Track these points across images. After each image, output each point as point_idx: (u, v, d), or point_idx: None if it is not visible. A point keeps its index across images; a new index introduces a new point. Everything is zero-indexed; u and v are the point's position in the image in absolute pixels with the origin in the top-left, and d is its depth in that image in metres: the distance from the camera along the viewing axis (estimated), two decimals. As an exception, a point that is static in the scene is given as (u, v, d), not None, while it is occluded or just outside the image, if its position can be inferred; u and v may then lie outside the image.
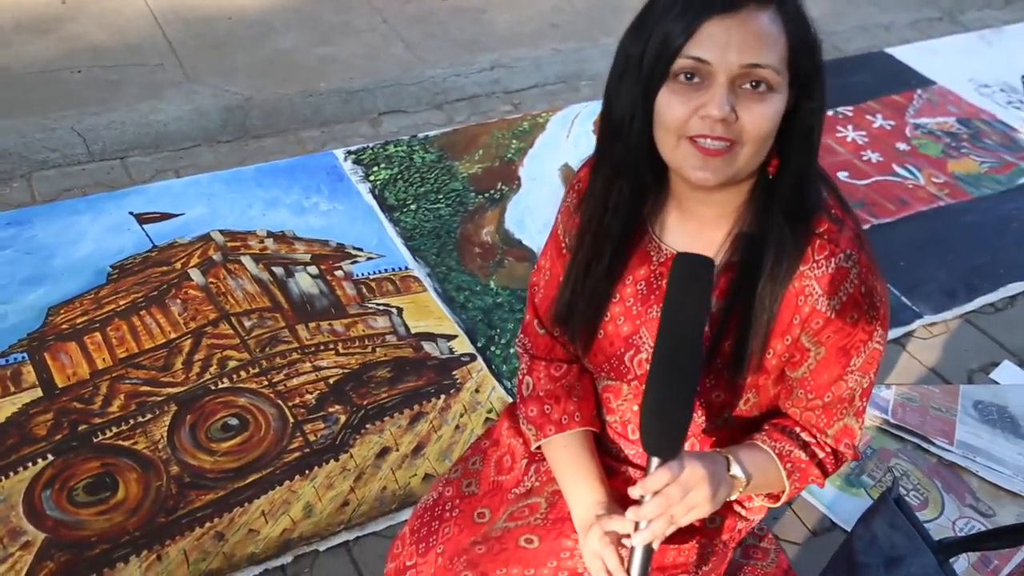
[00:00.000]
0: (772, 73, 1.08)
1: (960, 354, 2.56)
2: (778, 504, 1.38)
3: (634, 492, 1.15)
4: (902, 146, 3.51)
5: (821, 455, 1.31)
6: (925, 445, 2.22)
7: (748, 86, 1.08)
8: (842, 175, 3.29)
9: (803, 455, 1.29)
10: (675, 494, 1.14)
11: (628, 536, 1.21)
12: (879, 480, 2.13)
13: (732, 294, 1.22)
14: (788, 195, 1.17)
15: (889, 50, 4.24)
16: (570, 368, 1.43)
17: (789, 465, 1.28)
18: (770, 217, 1.17)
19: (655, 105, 1.13)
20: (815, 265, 1.17)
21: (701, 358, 1.13)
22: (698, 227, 1.24)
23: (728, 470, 1.23)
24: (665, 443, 1.13)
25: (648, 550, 1.18)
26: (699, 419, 1.31)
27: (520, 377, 1.48)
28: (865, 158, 3.41)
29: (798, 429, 1.31)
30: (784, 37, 1.09)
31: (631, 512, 1.16)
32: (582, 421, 1.40)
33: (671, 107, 1.11)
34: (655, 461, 1.14)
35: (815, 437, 1.31)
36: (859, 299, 1.18)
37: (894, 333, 2.59)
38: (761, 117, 1.09)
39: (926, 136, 3.59)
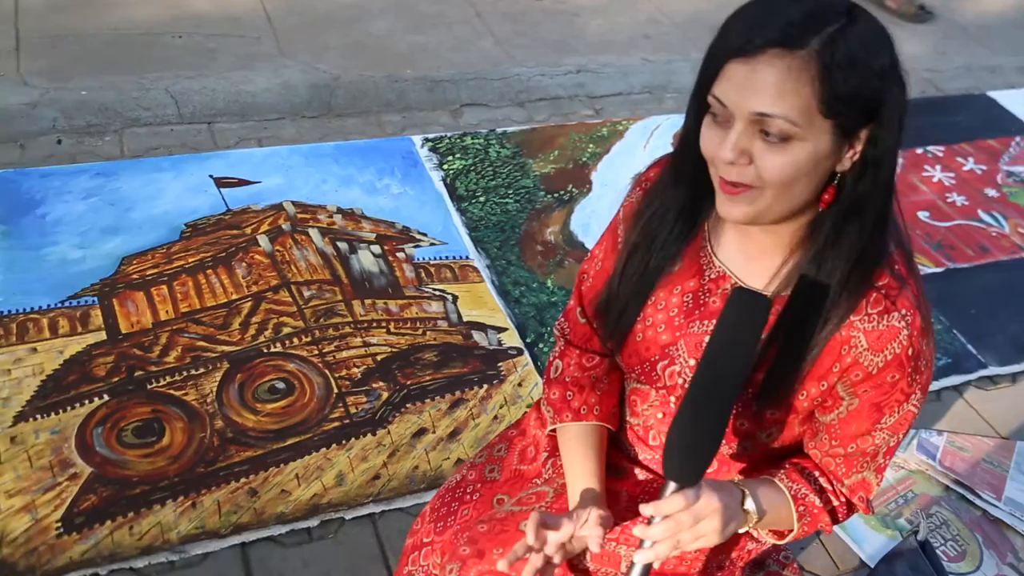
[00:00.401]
0: (786, 124, 1.04)
1: (1021, 410, 2.50)
2: (782, 542, 1.38)
3: (646, 511, 1.16)
4: (991, 192, 3.43)
5: (835, 503, 1.31)
6: (971, 497, 2.18)
7: (765, 132, 1.06)
8: (922, 215, 3.23)
9: (817, 501, 1.29)
10: (686, 521, 1.14)
11: (562, 544, 1.24)
12: (916, 525, 2.10)
13: (776, 328, 1.21)
14: (846, 238, 1.14)
15: (992, 93, 4.15)
16: (602, 361, 1.45)
17: (802, 508, 1.28)
18: (828, 256, 1.15)
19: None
20: (866, 318, 1.16)
21: (737, 395, 1.13)
22: (756, 251, 1.24)
23: (742, 504, 1.23)
24: (687, 472, 1.14)
25: (647, 569, 1.19)
26: (723, 445, 1.32)
27: (551, 359, 1.51)
28: (950, 200, 3.35)
29: (817, 473, 1.30)
30: (813, 86, 1.03)
31: (638, 530, 1.17)
32: (600, 415, 1.42)
33: (704, 140, 1.13)
34: (672, 485, 1.15)
35: (832, 485, 1.31)
36: (904, 361, 1.17)
37: (955, 380, 2.55)
38: (773, 166, 1.07)
39: (1018, 184, 3.50)
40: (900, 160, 3.57)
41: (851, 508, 1.33)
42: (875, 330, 1.16)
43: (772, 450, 1.33)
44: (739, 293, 1.12)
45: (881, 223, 1.16)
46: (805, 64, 1.04)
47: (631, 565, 1.20)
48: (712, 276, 1.29)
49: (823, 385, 1.22)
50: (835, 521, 1.32)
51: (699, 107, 1.14)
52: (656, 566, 1.21)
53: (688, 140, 1.20)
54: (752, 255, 1.25)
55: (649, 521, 1.16)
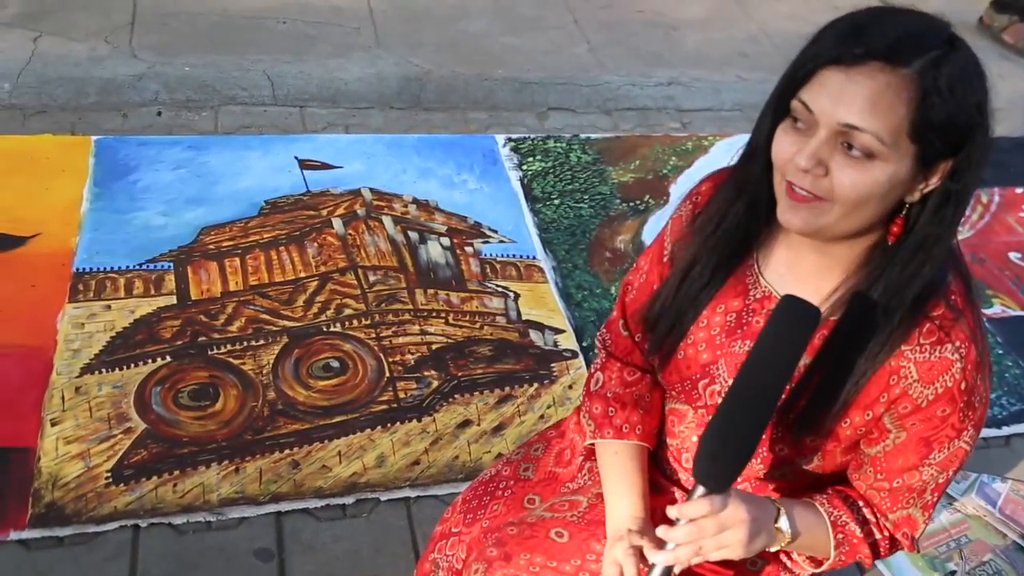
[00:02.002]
0: (874, 140, 1.00)
1: (1097, 465, 2.35)
2: (820, 570, 1.32)
3: (671, 512, 1.13)
4: (1090, 238, 3.24)
5: (877, 536, 1.25)
6: (1029, 549, 2.05)
7: (848, 146, 1.02)
8: (1014, 255, 3.07)
9: (858, 531, 1.23)
10: (709, 528, 1.11)
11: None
12: (967, 572, 1.99)
13: (823, 353, 1.17)
14: (906, 270, 1.09)
15: (1103, 137, 3.92)
16: (643, 376, 1.42)
17: (840, 536, 1.22)
18: (883, 284, 1.11)
19: (774, 139, 1.10)
20: (918, 348, 1.11)
21: (775, 405, 1.09)
22: (805, 273, 1.19)
23: (775, 521, 1.18)
24: (715, 476, 1.11)
25: (667, 572, 1.15)
26: (758, 467, 1.27)
27: (592, 371, 1.48)
28: (1045, 243, 3.17)
29: (861, 504, 1.25)
30: (909, 108, 1.00)
31: (662, 530, 1.14)
32: (642, 435, 1.38)
33: (779, 145, 1.08)
34: (700, 489, 1.12)
35: (876, 517, 1.25)
36: (956, 395, 1.11)
37: (1025, 428, 2.41)
38: (850, 182, 1.03)
39: (1121, 233, 3.30)
40: (996, 198, 3.42)
41: (894, 544, 1.26)
42: (926, 361, 1.10)
43: (811, 478, 1.28)
44: (788, 300, 1.07)
45: (942, 255, 1.11)
46: (905, 83, 1.00)
47: (651, 566, 1.17)
48: (757, 296, 1.24)
49: (868, 415, 1.16)
50: (876, 555, 1.26)
51: (777, 112, 1.09)
52: (676, 571, 1.16)
53: (756, 151, 1.15)
54: (802, 276, 1.20)
55: (674, 523, 1.13)
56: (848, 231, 1.10)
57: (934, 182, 1.06)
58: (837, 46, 1.02)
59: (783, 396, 1.18)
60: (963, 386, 1.11)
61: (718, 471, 1.10)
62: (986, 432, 2.37)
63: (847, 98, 1.00)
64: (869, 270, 1.13)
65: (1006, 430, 2.39)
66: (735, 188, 1.21)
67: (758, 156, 1.14)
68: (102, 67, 3.14)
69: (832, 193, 1.04)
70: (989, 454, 2.32)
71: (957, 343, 1.10)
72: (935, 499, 1.22)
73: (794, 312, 1.07)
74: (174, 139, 2.92)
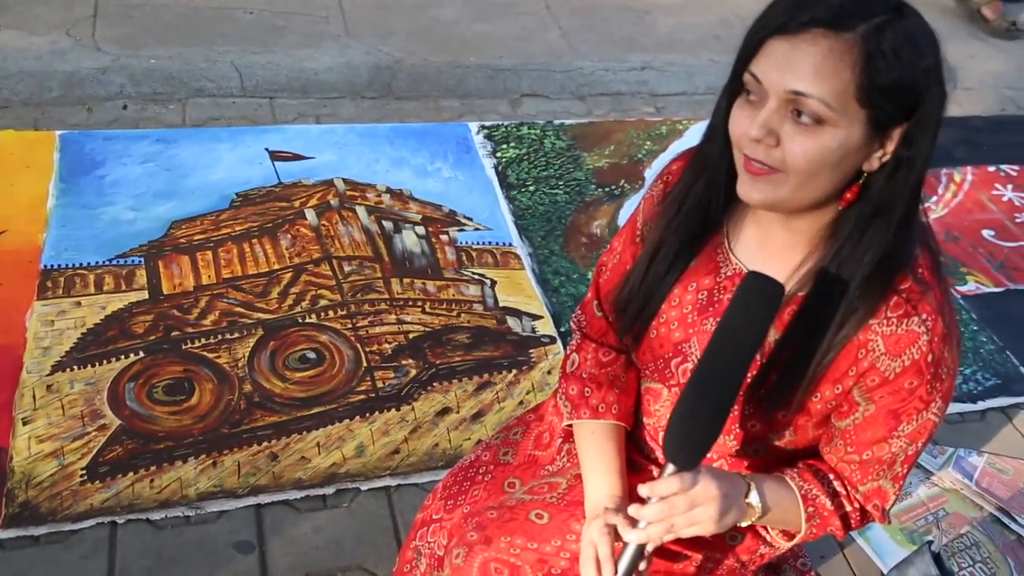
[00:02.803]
0: (820, 106, 1.02)
1: (1072, 438, 2.40)
2: (792, 543, 1.35)
3: (642, 491, 1.15)
4: (1063, 215, 3.30)
5: (848, 508, 1.27)
6: (1006, 520, 2.10)
7: (797, 113, 1.05)
8: (987, 233, 3.13)
9: (828, 503, 1.26)
10: (680, 505, 1.13)
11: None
12: (944, 545, 2.03)
13: (792, 328, 1.19)
14: (863, 236, 1.12)
15: (1075, 115, 3.99)
16: (618, 357, 1.44)
17: (811, 509, 1.25)
18: (849, 257, 1.13)
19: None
20: (885, 321, 1.13)
21: (742, 381, 1.11)
22: (775, 249, 1.22)
23: (746, 496, 1.21)
24: (685, 453, 1.13)
25: (640, 550, 1.18)
26: (731, 444, 1.30)
27: (568, 352, 1.50)
28: (1019, 220, 3.23)
29: (832, 476, 1.27)
30: (851, 71, 1.02)
31: (633, 509, 1.17)
32: (618, 414, 1.40)
33: (734, 120, 1.11)
34: (671, 467, 1.14)
35: (846, 489, 1.27)
36: (923, 367, 1.14)
37: (1002, 402, 2.46)
38: (801, 149, 1.05)
39: (1093, 209, 3.36)
40: (970, 177, 3.47)
41: (865, 516, 1.29)
42: (893, 334, 1.13)
43: (784, 453, 1.30)
44: (752, 276, 1.10)
45: (906, 225, 1.13)
46: (848, 48, 1.02)
47: (624, 547, 1.19)
48: (728, 273, 1.26)
49: (838, 389, 1.19)
50: (847, 527, 1.29)
51: (732, 88, 1.12)
52: (650, 548, 1.19)
53: (716, 129, 1.18)
54: (771, 253, 1.22)
55: (646, 502, 1.15)
56: (806, 202, 1.12)
57: (890, 150, 1.08)
58: (782, 15, 1.05)
59: (753, 372, 1.20)
60: (930, 358, 1.13)
61: (687, 448, 1.12)
62: (962, 407, 2.42)
63: (792, 65, 1.02)
64: (833, 242, 1.15)
65: (981, 404, 2.44)
66: (697, 168, 1.24)
67: (718, 134, 1.17)
68: (65, 60, 3.12)
69: (784, 163, 1.06)
70: (965, 428, 2.37)
71: (924, 316, 1.12)
72: (905, 471, 1.24)
73: (758, 288, 1.09)
74: (141, 132, 2.91)
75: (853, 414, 1.20)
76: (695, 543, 1.36)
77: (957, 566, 1.96)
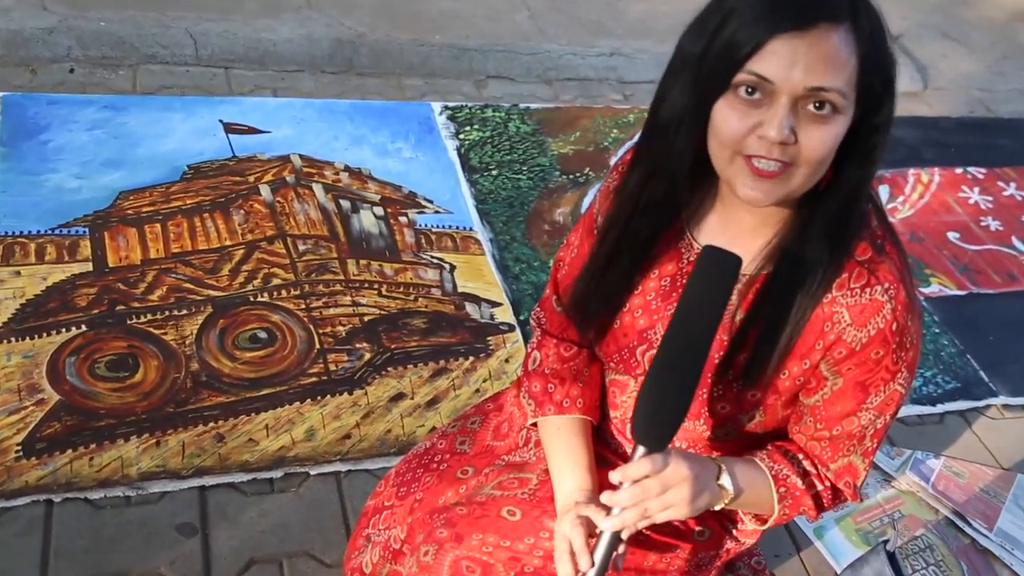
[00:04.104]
0: (838, 96, 1.07)
1: (1028, 443, 2.48)
2: (764, 527, 1.38)
3: (613, 476, 1.17)
4: (1029, 220, 3.39)
5: (819, 487, 1.30)
6: (961, 524, 2.16)
7: (811, 108, 1.07)
8: (952, 235, 3.20)
9: (800, 483, 1.29)
10: (653, 488, 1.15)
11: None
12: (899, 547, 2.08)
13: (757, 306, 1.22)
14: (832, 213, 1.16)
15: (1044, 120, 4.09)
16: (580, 351, 1.45)
17: (783, 490, 1.28)
18: (809, 233, 1.17)
19: (711, 115, 1.11)
20: (848, 292, 1.17)
21: (706, 356, 1.13)
22: (737, 233, 1.24)
23: (717, 479, 1.24)
24: (653, 434, 1.15)
25: (615, 538, 1.19)
26: (701, 428, 1.32)
27: (529, 350, 1.51)
28: (983, 224, 3.31)
29: (801, 456, 1.30)
30: (855, 58, 1.07)
31: (606, 496, 1.18)
32: (583, 408, 1.42)
33: (728, 122, 1.10)
34: (640, 450, 1.16)
35: (816, 468, 1.30)
36: (888, 336, 1.17)
37: (961, 405, 2.52)
38: (820, 141, 1.08)
39: (1057, 215, 3.46)
40: (937, 178, 3.54)
41: (837, 494, 1.32)
42: (857, 304, 1.17)
43: (755, 435, 1.33)
44: (708, 250, 1.12)
45: (864, 196, 1.18)
46: (849, 36, 1.07)
47: (599, 535, 1.20)
48: (691, 259, 1.28)
49: (805, 364, 1.22)
50: (820, 507, 1.32)
51: (708, 89, 1.11)
52: (625, 536, 1.21)
53: (670, 128, 1.17)
54: (734, 237, 1.24)
55: (617, 489, 1.17)
56: (805, 190, 1.15)
57: (855, 121, 1.12)
58: (776, 14, 1.06)
59: (721, 353, 1.23)
60: (894, 327, 1.17)
61: (656, 429, 1.14)
62: (921, 409, 2.48)
63: (807, 62, 1.05)
64: (800, 221, 1.18)
65: (940, 408, 2.50)
66: (648, 168, 1.22)
67: (678, 133, 1.15)
68: (8, 19, 3.06)
69: (799, 157, 1.09)
70: (924, 431, 2.43)
71: (886, 284, 1.16)
72: (874, 445, 1.28)
73: (715, 261, 1.11)
74: (89, 98, 2.87)
75: (822, 389, 1.24)
76: (667, 539, 1.38)
77: (911, 568, 2.01)
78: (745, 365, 1.23)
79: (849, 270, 1.17)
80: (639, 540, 1.35)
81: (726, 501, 1.25)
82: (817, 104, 1.07)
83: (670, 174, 1.21)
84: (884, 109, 1.13)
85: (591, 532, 1.24)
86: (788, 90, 1.06)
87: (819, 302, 1.18)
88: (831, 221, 1.16)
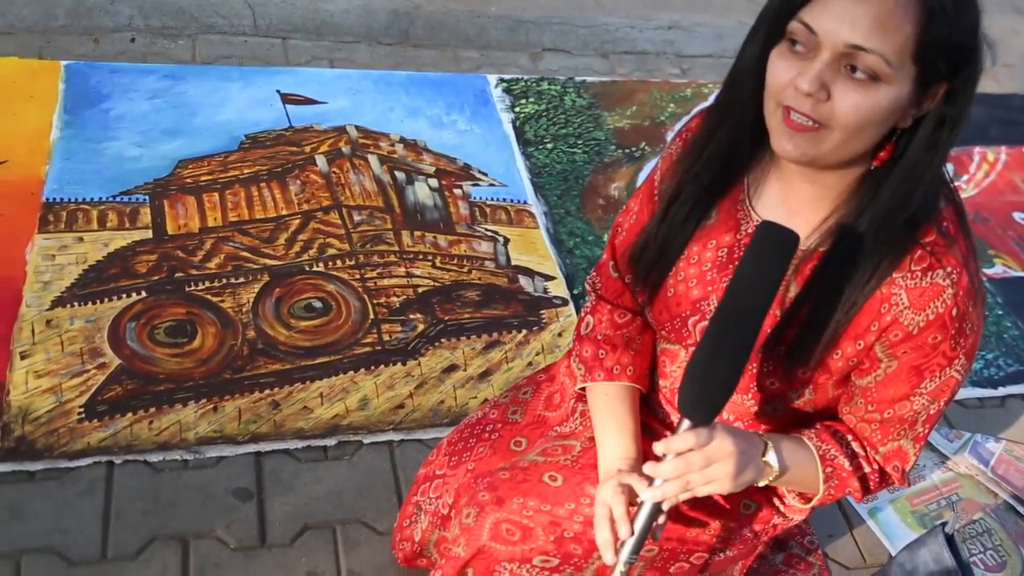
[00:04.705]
0: (879, 61, 1.03)
1: (1093, 429, 2.43)
2: (808, 506, 1.37)
3: (657, 448, 1.17)
4: (1098, 201, 3.31)
5: (866, 470, 1.29)
6: (1021, 508, 2.13)
7: (852, 68, 1.05)
8: (1018, 215, 3.13)
9: (847, 464, 1.28)
10: (696, 461, 1.15)
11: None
12: (957, 529, 2.06)
13: (813, 283, 1.20)
14: (893, 193, 1.13)
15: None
16: (634, 319, 1.45)
17: (829, 469, 1.27)
18: (872, 212, 1.15)
19: (768, 65, 1.12)
20: (909, 275, 1.15)
21: (757, 333, 1.12)
22: (797, 206, 1.23)
23: (763, 455, 1.23)
24: (700, 407, 1.14)
25: (656, 508, 1.19)
26: (749, 403, 1.32)
27: (582, 315, 1.51)
28: (1051, 204, 3.23)
29: (850, 437, 1.29)
30: (915, 27, 1.03)
31: (648, 467, 1.18)
32: (633, 376, 1.42)
33: (775, 70, 1.11)
34: (686, 423, 1.16)
35: (865, 450, 1.29)
36: (947, 322, 1.15)
37: (1023, 389, 2.48)
38: (853, 106, 1.06)
39: None
40: (1004, 156, 3.46)
41: (884, 477, 1.31)
42: (917, 287, 1.15)
43: (805, 413, 1.32)
44: (765, 225, 1.11)
45: (934, 180, 1.15)
46: (910, 2, 1.03)
47: (639, 506, 1.21)
48: (749, 231, 1.27)
49: (860, 345, 1.20)
50: (866, 490, 1.31)
51: (770, 35, 1.12)
52: (665, 507, 1.21)
53: (742, 75, 1.18)
54: (794, 209, 1.23)
55: (661, 459, 1.17)
56: (843, 158, 1.13)
57: (927, 107, 1.10)
58: None
59: (772, 328, 1.22)
60: (954, 312, 1.15)
61: (703, 402, 1.14)
62: (981, 392, 2.44)
63: (854, 18, 1.03)
64: (859, 198, 1.17)
65: (1002, 391, 2.46)
66: (718, 115, 1.24)
67: (745, 80, 1.17)
68: (73, -11, 3.11)
69: (832, 118, 1.07)
70: (984, 414, 2.39)
71: (949, 269, 1.14)
72: (926, 431, 1.26)
73: (772, 238, 1.10)
74: (149, 67, 2.91)
75: (875, 371, 1.22)
76: (709, 511, 1.38)
77: (968, 552, 1.99)
78: (796, 342, 1.22)
79: (912, 253, 1.15)
80: (680, 511, 1.35)
81: (771, 478, 1.24)
82: (852, 67, 1.05)
83: (734, 125, 1.21)
84: (958, 102, 1.09)
85: (632, 501, 1.24)
86: (830, 45, 1.05)
87: (875, 288, 1.16)
88: (890, 204, 1.14)
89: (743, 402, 1.32)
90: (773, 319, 1.23)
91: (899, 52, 1.04)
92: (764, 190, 1.28)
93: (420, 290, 2.37)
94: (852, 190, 1.19)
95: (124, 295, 2.21)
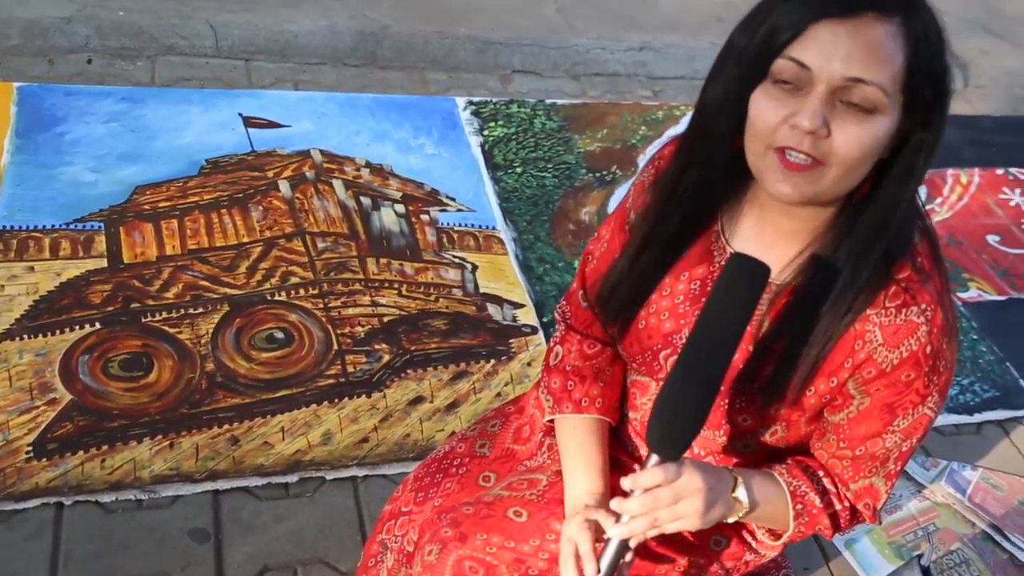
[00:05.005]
0: (878, 92, 1.03)
1: (1070, 456, 2.42)
2: (779, 543, 1.35)
3: (625, 483, 1.15)
4: (1071, 223, 3.32)
5: (837, 507, 1.28)
6: (998, 538, 2.11)
7: (848, 102, 1.04)
8: (992, 239, 3.14)
9: (818, 501, 1.26)
10: (664, 498, 1.13)
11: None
12: (934, 560, 2.03)
13: (787, 318, 1.19)
14: (869, 227, 1.12)
15: (1089, 120, 4.01)
16: (604, 349, 1.43)
17: (800, 506, 1.25)
18: (849, 245, 1.13)
19: (749, 104, 1.10)
20: (883, 312, 1.13)
21: (727, 366, 1.10)
22: (773, 239, 1.21)
23: (732, 491, 1.21)
24: (668, 442, 1.12)
25: (623, 545, 1.17)
26: (721, 439, 1.30)
27: (551, 345, 1.49)
28: (1024, 227, 3.24)
29: (821, 473, 1.28)
30: (903, 56, 1.04)
31: (615, 503, 1.16)
32: (601, 408, 1.40)
33: (763, 111, 1.08)
34: (654, 458, 1.14)
35: (836, 487, 1.27)
36: (921, 359, 1.14)
37: (1000, 415, 2.47)
38: (855, 139, 1.05)
39: (1101, 218, 3.38)
40: (977, 179, 3.47)
41: (855, 515, 1.30)
42: (892, 324, 1.13)
43: (777, 449, 1.30)
44: (736, 258, 1.09)
45: (909, 210, 1.14)
46: (899, 32, 1.04)
47: (606, 541, 1.18)
48: (722, 263, 1.25)
49: (833, 382, 1.19)
50: (836, 527, 1.29)
51: (749, 75, 1.09)
52: (632, 544, 1.19)
53: (716, 115, 1.16)
54: (769, 243, 1.21)
55: (628, 495, 1.14)
56: (840, 194, 1.11)
57: (912, 135, 1.09)
58: (822, 1, 1.03)
59: (745, 363, 1.20)
60: (928, 350, 1.13)
61: (671, 437, 1.12)
62: (957, 419, 2.43)
63: (848, 51, 1.02)
64: (835, 231, 1.15)
65: (978, 417, 2.45)
66: (688, 155, 1.22)
67: (717, 120, 1.15)
68: (26, 7, 3.05)
69: (831, 154, 1.05)
70: (960, 441, 2.38)
71: (923, 306, 1.13)
72: (898, 468, 1.25)
73: (743, 269, 1.08)
74: (106, 89, 2.86)
75: (847, 408, 1.20)
76: (679, 547, 1.36)
77: (946, 584, 1.97)
78: (769, 379, 1.20)
79: (886, 289, 1.13)
80: (648, 547, 1.33)
81: (740, 514, 1.22)
82: (847, 101, 1.04)
83: (707, 165, 1.19)
84: (934, 128, 1.09)
85: (598, 537, 1.22)
86: (826, 79, 1.03)
87: (851, 323, 1.14)
88: (867, 236, 1.12)
89: (715, 437, 1.30)
90: (746, 354, 1.21)
91: (893, 82, 1.04)
92: (739, 223, 1.26)
93: (386, 319, 2.33)
94: (829, 223, 1.17)
95: (77, 327, 2.15)
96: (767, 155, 1.09)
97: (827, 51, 1.03)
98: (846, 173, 1.08)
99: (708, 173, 1.20)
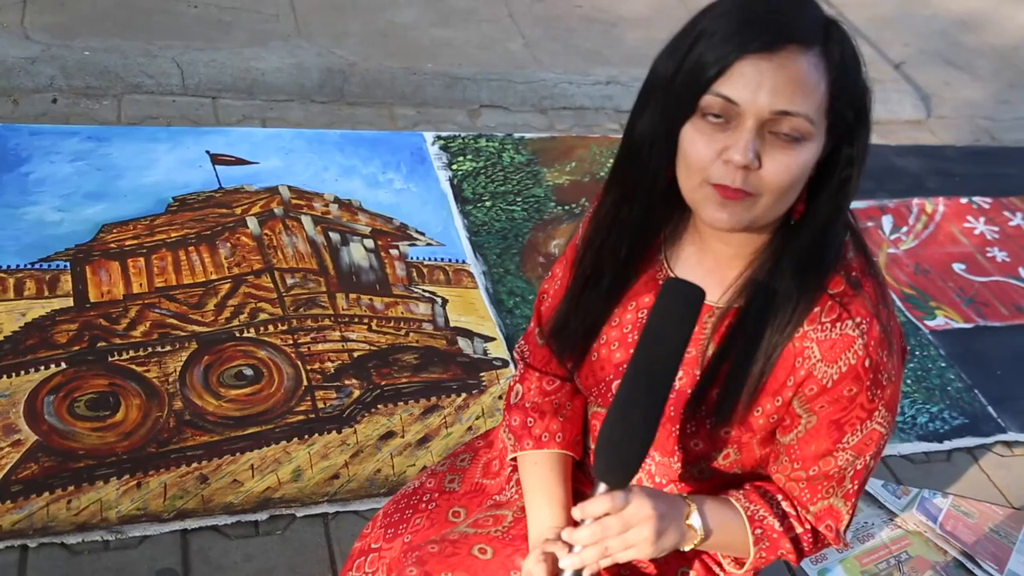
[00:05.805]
0: (804, 122, 1.07)
1: (1039, 481, 2.47)
2: (743, 571, 1.36)
3: (575, 512, 1.16)
4: (1036, 251, 3.41)
5: (798, 530, 1.28)
6: (970, 566, 2.15)
7: (777, 133, 1.08)
8: (957, 267, 3.21)
9: (777, 525, 1.27)
10: (614, 526, 1.13)
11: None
12: (906, 588, 2.07)
13: (730, 340, 1.22)
14: (804, 246, 1.16)
15: (1051, 149, 4.12)
16: (563, 385, 1.45)
17: (759, 531, 1.26)
18: (785, 263, 1.17)
19: (679, 139, 1.12)
20: (819, 327, 1.16)
21: (668, 390, 1.11)
22: (714, 264, 1.25)
23: (687, 518, 1.22)
24: (614, 469, 1.13)
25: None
26: (676, 465, 1.31)
27: (511, 384, 1.51)
28: (990, 255, 3.32)
29: (780, 497, 1.29)
30: (824, 84, 1.08)
31: (566, 533, 1.16)
32: (562, 443, 1.41)
33: (695, 146, 1.11)
34: (602, 486, 1.14)
35: (796, 510, 1.29)
36: (861, 373, 1.16)
37: (969, 442, 2.52)
38: (784, 168, 1.08)
39: (1065, 246, 3.47)
40: (942, 208, 3.55)
41: (818, 538, 1.30)
42: (828, 339, 1.16)
43: (731, 476, 1.32)
44: (671, 283, 1.11)
45: (842, 225, 1.19)
46: (820, 61, 1.08)
47: (560, 572, 1.19)
48: None
49: (778, 401, 1.21)
50: (800, 551, 1.30)
51: (677, 111, 1.12)
52: (586, 575, 1.19)
53: (643, 151, 1.18)
54: (709, 268, 1.25)
55: (579, 525, 1.16)
56: (773, 219, 1.15)
57: (840, 152, 1.14)
58: (744, 36, 1.07)
59: (693, 388, 1.23)
60: (867, 363, 1.16)
61: (617, 464, 1.12)
62: (927, 446, 2.47)
63: (774, 85, 1.06)
64: (772, 252, 1.19)
65: (948, 444, 2.49)
66: (622, 190, 1.24)
67: (649, 155, 1.16)
68: (-8, 48, 3.08)
69: (762, 184, 1.09)
70: (931, 469, 2.42)
71: (858, 319, 1.16)
72: (855, 488, 1.26)
73: (676, 293, 1.10)
74: (72, 128, 2.88)
75: (796, 428, 1.23)
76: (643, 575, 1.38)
77: (918, 611, 2.00)
78: (717, 401, 1.22)
79: (821, 304, 1.17)
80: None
81: (696, 541, 1.22)
82: (775, 132, 1.08)
83: (643, 198, 1.22)
84: (858, 141, 1.14)
85: (554, 570, 1.22)
86: (754, 113, 1.07)
87: (789, 338, 1.17)
88: (802, 254, 1.17)
89: (670, 464, 1.32)
90: (694, 378, 1.24)
91: (818, 110, 1.08)
92: (681, 251, 1.30)
93: (356, 354, 2.35)
94: (766, 244, 1.21)
95: (42, 367, 2.15)
96: (703, 188, 1.13)
97: (753, 86, 1.06)
98: (779, 199, 1.12)
99: (647, 206, 1.23)
